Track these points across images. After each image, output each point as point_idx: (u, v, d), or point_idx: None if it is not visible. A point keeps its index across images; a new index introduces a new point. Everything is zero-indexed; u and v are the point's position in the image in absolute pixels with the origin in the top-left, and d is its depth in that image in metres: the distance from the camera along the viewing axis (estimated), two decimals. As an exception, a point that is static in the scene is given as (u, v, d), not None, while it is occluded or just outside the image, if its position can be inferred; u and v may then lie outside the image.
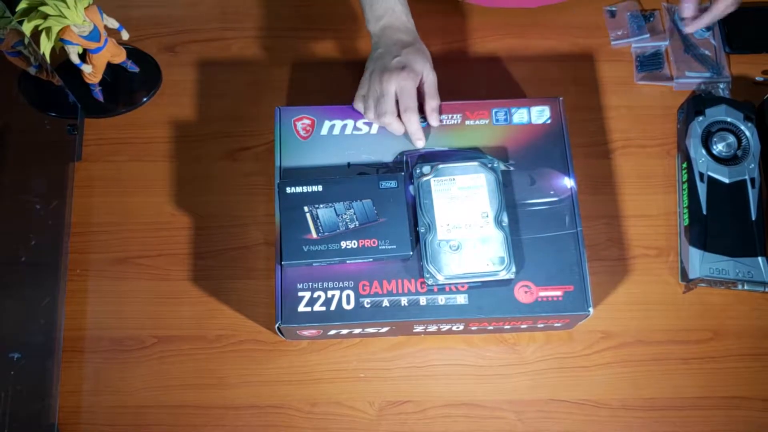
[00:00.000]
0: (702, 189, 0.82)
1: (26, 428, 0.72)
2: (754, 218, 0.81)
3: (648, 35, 0.95)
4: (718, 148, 0.84)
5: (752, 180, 0.83)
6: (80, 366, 0.80)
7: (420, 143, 0.79)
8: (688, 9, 0.88)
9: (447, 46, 0.96)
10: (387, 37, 0.83)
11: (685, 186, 0.84)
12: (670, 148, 0.89)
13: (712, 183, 0.83)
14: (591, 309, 0.73)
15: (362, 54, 0.95)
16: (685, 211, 0.83)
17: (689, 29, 0.90)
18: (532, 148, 0.80)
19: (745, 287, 0.80)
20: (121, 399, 0.79)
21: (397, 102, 0.79)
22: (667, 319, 0.82)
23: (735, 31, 0.94)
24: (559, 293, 0.74)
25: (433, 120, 0.80)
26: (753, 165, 0.83)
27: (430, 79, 0.81)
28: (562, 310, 0.73)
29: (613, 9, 0.97)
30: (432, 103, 0.80)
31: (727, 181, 0.83)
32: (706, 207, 0.81)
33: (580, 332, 0.81)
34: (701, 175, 0.83)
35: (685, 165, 0.85)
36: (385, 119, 0.79)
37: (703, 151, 0.84)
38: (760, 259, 0.79)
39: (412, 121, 0.78)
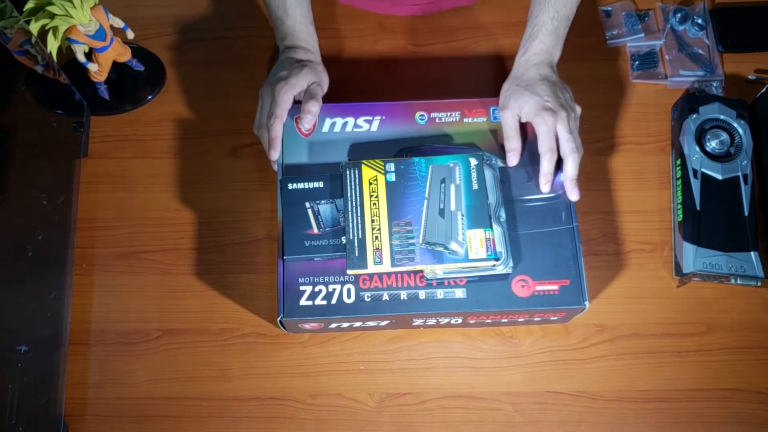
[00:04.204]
0: (696, 185, 0.84)
1: (33, 419, 0.73)
2: (746, 214, 0.82)
3: (643, 35, 0.96)
4: (712, 145, 0.85)
5: (745, 176, 0.84)
6: (86, 358, 0.81)
7: (272, 154, 0.78)
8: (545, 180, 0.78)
9: (446, 44, 0.97)
10: (285, 56, 0.84)
11: (679, 182, 0.86)
12: (664, 145, 0.90)
13: (706, 179, 0.84)
14: (587, 303, 0.74)
15: (363, 53, 0.96)
16: (679, 206, 0.85)
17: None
18: (529, 145, 0.81)
19: (738, 282, 0.81)
20: (127, 391, 0.80)
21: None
22: (661, 312, 0.83)
23: (728, 31, 0.95)
24: (555, 287, 0.75)
25: (304, 121, 0.79)
26: (746, 162, 0.84)
27: (311, 88, 0.80)
28: (558, 304, 0.74)
29: (609, 9, 0.98)
30: (306, 105, 0.79)
31: (720, 177, 0.84)
32: (699, 203, 0.83)
33: (576, 326, 0.82)
34: (695, 171, 0.84)
35: (679, 162, 0.86)
36: (257, 131, 0.81)
37: (697, 148, 0.85)
38: (752, 253, 0.80)
39: (272, 127, 0.77)
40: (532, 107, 0.78)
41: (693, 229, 0.82)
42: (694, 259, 0.80)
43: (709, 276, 0.81)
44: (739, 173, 0.84)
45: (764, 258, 0.82)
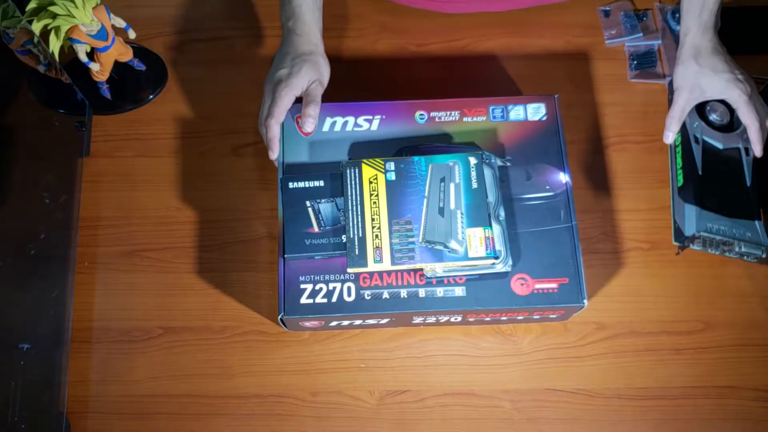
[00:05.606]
0: (697, 150, 0.82)
1: (36, 416, 0.74)
2: (749, 185, 0.81)
3: (641, 34, 0.96)
4: (712, 116, 0.84)
5: (746, 149, 0.82)
6: (88, 356, 0.81)
7: (270, 154, 0.79)
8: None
9: (445, 44, 0.97)
10: (286, 43, 0.84)
11: (679, 149, 0.84)
12: (662, 144, 0.90)
13: (707, 147, 0.82)
14: (585, 301, 0.75)
15: (364, 52, 0.97)
16: (679, 171, 0.83)
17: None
18: (529, 144, 0.81)
19: (743, 248, 0.77)
20: (128, 388, 0.80)
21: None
22: (659, 310, 0.83)
23: (725, 31, 0.95)
24: (554, 285, 0.75)
25: (305, 125, 0.80)
26: (746, 134, 0.82)
27: (311, 89, 0.81)
28: (557, 302, 0.75)
29: (607, 9, 0.98)
30: (306, 109, 0.80)
31: (721, 146, 0.82)
32: (701, 168, 0.81)
33: (575, 323, 0.82)
34: (696, 138, 0.83)
35: (678, 132, 0.85)
36: (259, 129, 0.82)
37: (697, 116, 0.83)
38: (756, 222, 0.78)
39: (270, 127, 0.79)
40: (725, 84, 0.81)
41: (695, 190, 0.80)
42: (697, 220, 0.78)
43: (711, 242, 0.78)
44: (740, 145, 0.82)
45: (768, 228, 0.80)
